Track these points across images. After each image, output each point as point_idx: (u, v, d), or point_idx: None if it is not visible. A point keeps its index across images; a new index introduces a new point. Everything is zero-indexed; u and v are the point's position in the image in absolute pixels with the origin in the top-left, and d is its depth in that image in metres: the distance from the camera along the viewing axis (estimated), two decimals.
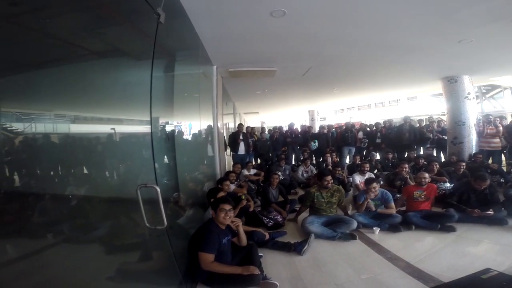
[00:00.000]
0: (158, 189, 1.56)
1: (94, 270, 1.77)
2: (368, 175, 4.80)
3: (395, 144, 7.09)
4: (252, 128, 7.96)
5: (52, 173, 2.10)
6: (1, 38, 1.53)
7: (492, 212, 3.30)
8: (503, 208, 3.46)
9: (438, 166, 4.88)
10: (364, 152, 7.70)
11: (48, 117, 1.94)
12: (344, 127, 8.14)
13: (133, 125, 2.63)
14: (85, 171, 2.27)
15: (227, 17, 2.84)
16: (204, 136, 5.08)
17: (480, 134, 6.16)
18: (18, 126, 1.86)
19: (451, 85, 6.55)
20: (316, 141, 7.56)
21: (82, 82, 1.97)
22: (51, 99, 1.89)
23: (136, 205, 1.56)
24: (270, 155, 7.44)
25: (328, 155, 6.73)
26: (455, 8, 2.85)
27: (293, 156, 8.10)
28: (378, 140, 7.45)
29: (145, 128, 2.13)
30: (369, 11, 2.84)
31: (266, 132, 8.22)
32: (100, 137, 2.38)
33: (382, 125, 7.73)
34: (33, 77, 1.69)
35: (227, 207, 2.40)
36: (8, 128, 1.82)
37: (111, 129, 2.43)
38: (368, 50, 4.23)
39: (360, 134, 7.68)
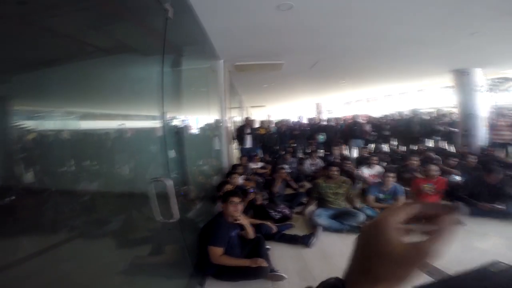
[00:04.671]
0: (171, 183, 1.60)
1: (107, 265, 1.83)
2: (377, 168, 4.77)
3: (405, 136, 7.01)
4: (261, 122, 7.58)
5: (65, 169, 2.15)
6: (11, 37, 1.57)
7: (504, 207, 3.27)
8: None
9: (457, 161, 4.75)
10: (374, 145, 7.63)
11: (59, 115, 1.98)
12: (352, 120, 8.05)
13: (144, 120, 2.67)
14: (97, 167, 2.32)
15: (234, 11, 2.81)
16: (212, 130, 5.13)
17: (493, 127, 6.03)
18: (30, 124, 1.90)
19: (463, 77, 6.41)
20: (324, 134, 7.52)
21: (91, 79, 2.00)
22: (62, 97, 1.93)
23: (147, 199, 1.60)
24: (278, 148, 7.44)
25: (336, 148, 6.69)
26: (468, 1, 2.76)
27: (300, 149, 8.09)
28: (386, 133, 7.37)
29: (157, 123, 2.16)
30: (379, 3, 2.76)
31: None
32: (112, 133, 2.42)
33: (391, 118, 7.64)
34: (44, 76, 1.72)
35: (237, 199, 2.43)
36: (20, 126, 1.86)
37: (120, 125, 2.46)
38: (377, 43, 4.13)
39: (368, 127, 7.59)
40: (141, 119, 2.68)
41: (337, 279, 0.36)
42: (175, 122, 2.92)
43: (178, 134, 3.02)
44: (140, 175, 2.39)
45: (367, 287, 0.32)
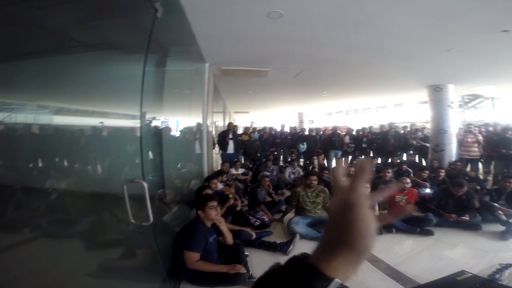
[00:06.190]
0: (146, 185, 1.54)
1: (75, 266, 1.72)
2: None
3: (381, 150, 7.28)
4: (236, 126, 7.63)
5: (32, 165, 2.02)
6: None
7: (467, 218, 3.47)
8: (478, 214, 3.62)
9: (427, 173, 4.99)
10: (350, 156, 7.86)
11: (31, 108, 1.87)
12: (331, 131, 8.25)
13: (121, 119, 2.57)
14: (68, 164, 2.20)
15: (224, 15, 2.82)
16: (192, 133, 5.04)
17: (461, 143, 6.40)
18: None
19: (436, 93, 6.63)
20: (304, 143, 7.66)
21: (67, 73, 1.91)
22: (35, 90, 1.83)
23: (121, 200, 1.53)
24: (259, 155, 7.47)
25: (315, 157, 6.83)
26: (448, 17, 2.89)
27: (281, 157, 8.17)
28: (364, 145, 7.63)
29: (134, 123, 2.09)
30: (364, 17, 2.87)
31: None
32: (86, 130, 2.31)
33: (368, 131, 7.93)
34: (16, 67, 1.63)
35: (215, 203, 2.40)
36: None
37: (100, 123, 2.36)
38: (361, 55, 4.26)
39: (347, 139, 7.82)
40: (118, 118, 2.58)
41: (303, 254, 0.40)
42: (154, 123, 2.84)
43: (157, 136, 2.94)
44: (114, 175, 2.29)
45: (330, 255, 0.37)
